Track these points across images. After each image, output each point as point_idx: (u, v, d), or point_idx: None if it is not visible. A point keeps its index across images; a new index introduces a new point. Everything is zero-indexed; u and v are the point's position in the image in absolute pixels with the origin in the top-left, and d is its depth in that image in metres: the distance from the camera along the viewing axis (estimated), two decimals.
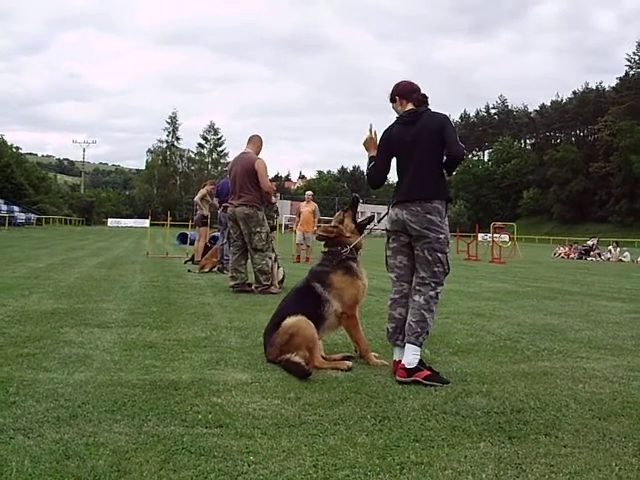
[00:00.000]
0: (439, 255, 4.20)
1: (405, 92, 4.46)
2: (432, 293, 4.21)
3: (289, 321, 4.31)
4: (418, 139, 4.28)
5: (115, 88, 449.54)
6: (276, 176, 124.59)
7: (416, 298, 4.25)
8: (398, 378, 4.04)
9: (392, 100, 4.53)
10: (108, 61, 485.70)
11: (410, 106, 4.41)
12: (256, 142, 9.33)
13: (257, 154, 9.17)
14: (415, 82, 4.54)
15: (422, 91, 4.47)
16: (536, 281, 13.39)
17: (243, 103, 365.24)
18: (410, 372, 4.04)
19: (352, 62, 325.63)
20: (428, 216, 4.17)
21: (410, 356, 4.11)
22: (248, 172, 8.82)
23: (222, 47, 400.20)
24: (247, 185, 8.82)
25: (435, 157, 4.25)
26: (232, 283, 9.03)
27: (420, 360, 4.13)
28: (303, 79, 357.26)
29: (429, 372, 4.07)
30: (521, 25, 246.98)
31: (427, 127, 4.27)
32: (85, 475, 2.37)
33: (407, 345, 4.17)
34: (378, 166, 4.54)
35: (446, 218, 4.29)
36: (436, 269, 4.21)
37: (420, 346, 4.17)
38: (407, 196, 4.30)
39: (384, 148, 4.51)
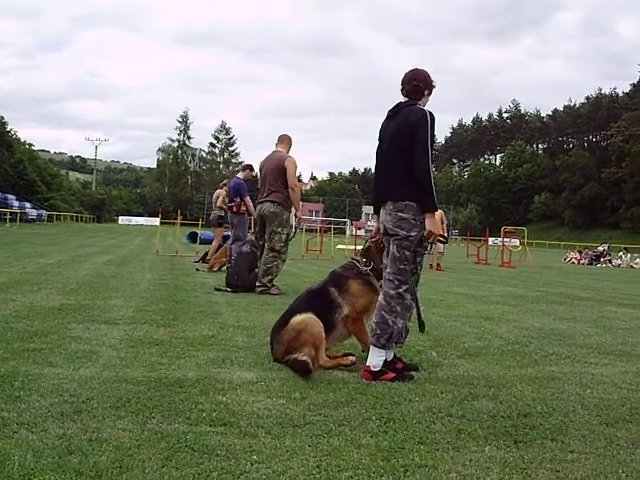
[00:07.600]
0: (406, 253, 4.07)
1: (404, 80, 4.32)
2: (393, 292, 4.10)
3: (298, 318, 4.30)
4: (389, 135, 4.23)
5: (134, 87, 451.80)
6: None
7: (379, 297, 4.23)
8: (364, 380, 4.02)
9: None
10: (128, 60, 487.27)
11: (404, 97, 4.32)
12: (286, 141, 9.28)
13: (287, 152, 9.15)
14: (422, 70, 4.34)
15: (432, 80, 4.31)
16: (545, 286, 13.34)
17: (261, 104, 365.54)
18: (375, 375, 4.04)
19: (371, 65, 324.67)
20: (400, 214, 4.10)
21: (374, 358, 4.09)
22: (278, 170, 8.81)
23: (242, 49, 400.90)
24: (277, 183, 8.80)
25: (402, 156, 4.10)
26: (258, 285, 8.78)
27: (386, 361, 4.12)
28: (322, 82, 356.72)
29: (394, 374, 4.06)
30: (541, 32, 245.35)
31: (399, 124, 4.16)
32: (87, 471, 2.36)
33: (371, 347, 4.15)
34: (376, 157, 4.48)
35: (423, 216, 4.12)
36: (402, 266, 4.10)
37: (383, 348, 4.10)
38: (379, 196, 4.28)
39: (379, 141, 4.45)
